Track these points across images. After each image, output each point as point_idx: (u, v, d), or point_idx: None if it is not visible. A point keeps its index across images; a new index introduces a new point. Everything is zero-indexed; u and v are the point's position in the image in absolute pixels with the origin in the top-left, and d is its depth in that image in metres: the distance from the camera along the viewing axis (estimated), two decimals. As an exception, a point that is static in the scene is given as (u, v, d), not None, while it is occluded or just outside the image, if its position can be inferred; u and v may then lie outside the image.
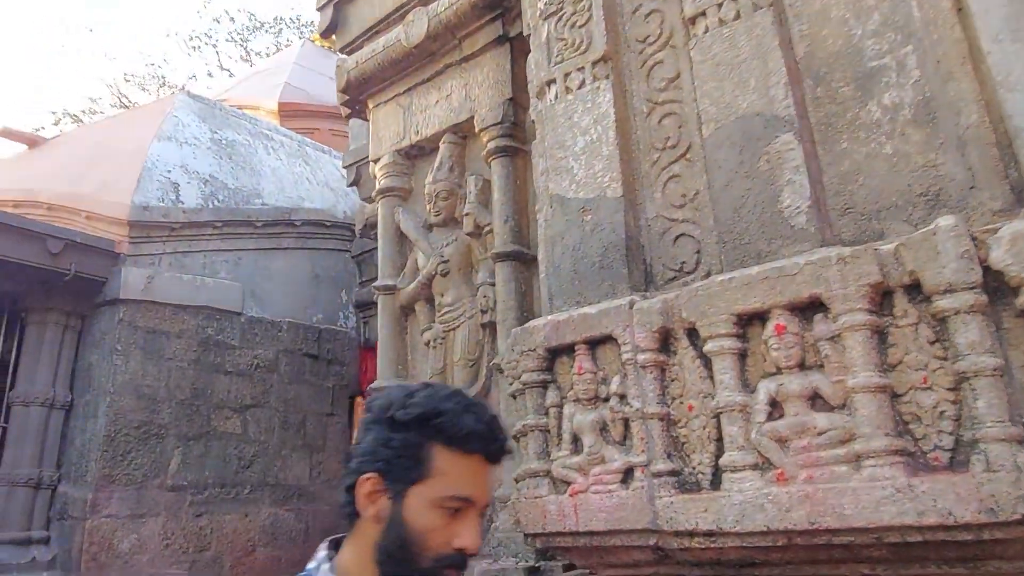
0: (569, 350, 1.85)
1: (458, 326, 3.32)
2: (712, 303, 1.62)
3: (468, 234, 3.43)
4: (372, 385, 3.47)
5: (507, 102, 3.37)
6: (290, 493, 7.02)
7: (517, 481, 1.96)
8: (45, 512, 5.69)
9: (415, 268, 3.61)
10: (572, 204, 2.06)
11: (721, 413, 1.58)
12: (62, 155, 7.48)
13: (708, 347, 1.62)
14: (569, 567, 2.24)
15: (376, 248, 8.20)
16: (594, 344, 1.81)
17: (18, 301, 5.97)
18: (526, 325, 1.96)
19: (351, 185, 6.37)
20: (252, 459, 6.74)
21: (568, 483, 1.77)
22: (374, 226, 6.26)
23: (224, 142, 7.69)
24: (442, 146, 3.64)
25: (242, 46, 21.35)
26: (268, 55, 19.19)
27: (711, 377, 1.63)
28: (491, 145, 3.40)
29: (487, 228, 3.36)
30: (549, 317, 1.91)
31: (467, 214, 3.43)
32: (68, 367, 6.05)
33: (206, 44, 21.28)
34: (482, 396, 3.20)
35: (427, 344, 3.44)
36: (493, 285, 3.24)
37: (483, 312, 3.24)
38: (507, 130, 3.37)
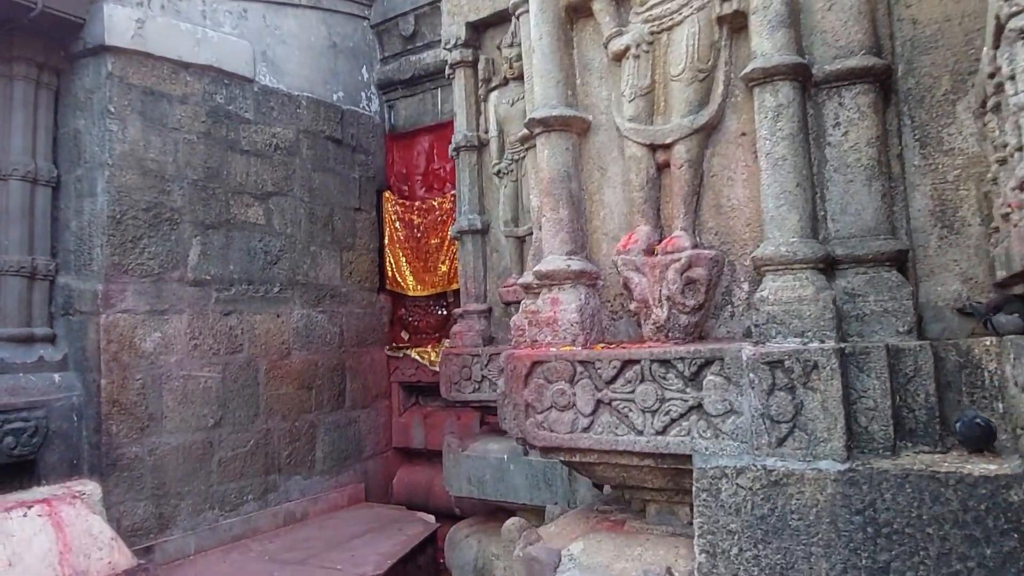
0: None
1: (677, 23, 2.27)
2: None
3: None
4: (533, 115, 2.46)
5: None
6: (322, 293, 6.21)
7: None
8: (46, 306, 4.78)
9: (590, -52, 2.46)
10: None
11: None
12: None
13: None
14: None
15: (403, 15, 6.80)
16: None
17: (-29, 46, 4.62)
18: None
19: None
20: (279, 254, 5.82)
21: None
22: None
23: None
24: None
25: None
26: None
27: None
28: None
29: None
30: None
31: None
32: (48, 135, 4.86)
33: None
34: (714, 124, 2.24)
35: (616, 57, 2.39)
36: (739, -43, 2.15)
37: (723, 0, 2.19)
38: None
